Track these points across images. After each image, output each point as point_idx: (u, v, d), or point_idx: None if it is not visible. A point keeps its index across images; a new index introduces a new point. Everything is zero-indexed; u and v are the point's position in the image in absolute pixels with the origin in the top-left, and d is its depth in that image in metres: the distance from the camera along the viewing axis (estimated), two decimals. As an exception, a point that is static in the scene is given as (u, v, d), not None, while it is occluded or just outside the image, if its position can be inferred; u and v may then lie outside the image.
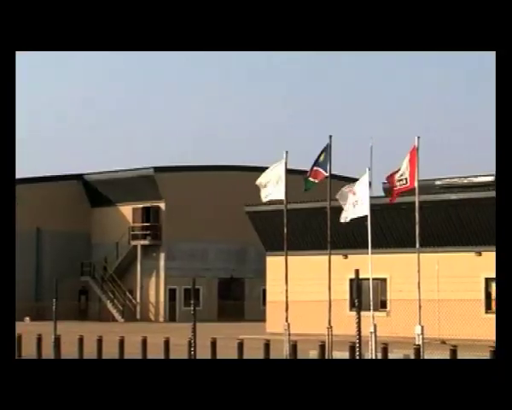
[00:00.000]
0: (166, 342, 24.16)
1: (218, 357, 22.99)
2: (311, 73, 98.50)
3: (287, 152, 26.75)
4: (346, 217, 25.50)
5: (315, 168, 26.01)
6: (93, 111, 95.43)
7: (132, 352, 23.56)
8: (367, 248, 25.43)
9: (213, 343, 23.39)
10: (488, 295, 33.77)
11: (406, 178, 24.56)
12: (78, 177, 59.44)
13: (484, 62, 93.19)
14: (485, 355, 21.41)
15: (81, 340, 24.39)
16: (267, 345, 23.48)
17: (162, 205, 55.87)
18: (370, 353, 23.74)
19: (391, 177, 24.61)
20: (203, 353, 23.12)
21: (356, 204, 25.06)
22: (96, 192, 59.07)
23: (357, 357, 21.37)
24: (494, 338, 26.71)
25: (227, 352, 23.95)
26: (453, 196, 34.25)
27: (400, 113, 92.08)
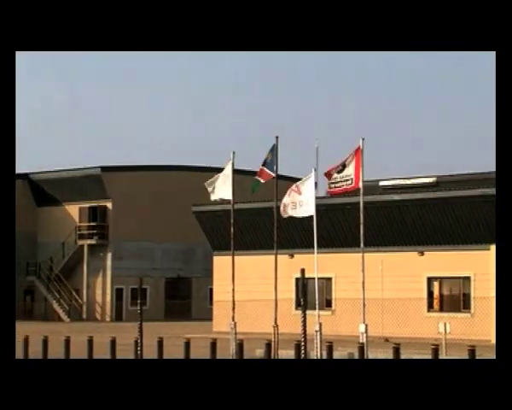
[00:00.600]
0: (113, 342, 23.94)
1: (165, 356, 22.85)
2: (258, 72, 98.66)
3: (234, 153, 26.79)
4: (291, 214, 25.57)
5: (263, 169, 26.08)
6: (39, 110, 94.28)
7: (78, 352, 23.28)
8: (313, 247, 25.53)
9: (160, 343, 23.23)
10: (430, 294, 34.16)
11: (351, 179, 24.75)
12: (24, 176, 58.60)
13: (415, 62, 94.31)
14: (427, 353, 21.65)
15: (26, 340, 24.04)
16: (214, 344, 23.42)
17: (109, 205, 55.41)
18: (315, 351, 23.84)
19: (328, 173, 24.87)
20: (150, 352, 22.97)
21: (302, 204, 25.17)
22: (42, 191, 58.32)
23: (303, 355, 21.43)
24: (435, 336, 27.14)
25: (174, 351, 23.83)
26: (396, 197, 34.58)
27: (346, 114, 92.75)
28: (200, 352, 23.92)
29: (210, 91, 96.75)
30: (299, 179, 25.77)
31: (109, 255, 55.50)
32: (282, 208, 25.65)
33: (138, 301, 23.26)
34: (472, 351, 20.36)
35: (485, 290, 32.07)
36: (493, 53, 12.91)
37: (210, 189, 27.18)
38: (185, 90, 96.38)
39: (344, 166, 24.90)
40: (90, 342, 23.52)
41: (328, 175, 24.90)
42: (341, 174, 24.91)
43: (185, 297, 57.65)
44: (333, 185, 25.24)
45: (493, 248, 32.22)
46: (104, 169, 55.47)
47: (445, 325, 25.24)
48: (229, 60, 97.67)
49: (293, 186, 25.32)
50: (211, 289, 44.99)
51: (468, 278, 33.23)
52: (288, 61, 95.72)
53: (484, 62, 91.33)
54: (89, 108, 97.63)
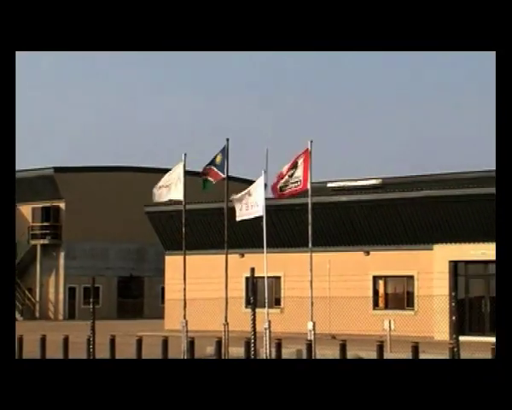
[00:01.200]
0: (65, 340, 23.78)
1: (117, 354, 22.77)
2: (208, 73, 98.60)
3: (185, 154, 26.81)
4: (242, 216, 25.74)
5: (213, 170, 26.13)
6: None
7: (31, 350, 23.09)
8: (262, 247, 25.66)
9: (112, 341, 23.14)
10: (376, 292, 34.52)
11: (300, 180, 24.95)
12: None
13: (361, 62, 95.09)
14: (373, 349, 21.92)
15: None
16: (165, 342, 23.41)
17: (62, 205, 54.98)
18: (265, 348, 23.96)
19: (278, 177, 25.05)
20: (102, 350, 22.87)
21: (252, 205, 25.32)
22: (-5, 192, 57.62)
23: (252, 353, 21.54)
24: (381, 333, 27.43)
25: (126, 349, 23.76)
26: (343, 198, 34.87)
27: (295, 116, 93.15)
28: (152, 350, 23.89)
29: (160, 91, 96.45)
30: (249, 181, 25.92)
31: (62, 255, 55.08)
32: (237, 213, 25.65)
33: (91, 300, 23.17)
34: (415, 347, 20.68)
35: (427, 289, 32.54)
36: (487, 53, 12.78)
37: (157, 192, 27.14)
38: (132, 91, 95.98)
39: (293, 168, 25.06)
40: (43, 340, 23.34)
41: (281, 178, 25.10)
42: (291, 176, 25.09)
43: (137, 296, 57.48)
44: (283, 187, 25.39)
45: (436, 247, 32.74)
46: (57, 170, 55.02)
47: (389, 322, 25.56)
48: (178, 60, 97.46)
49: (245, 191, 25.50)
50: (163, 288, 44.91)
51: (411, 277, 33.66)
52: (238, 61, 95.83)
53: (411, 62, 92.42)
54: (40, 108, 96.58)
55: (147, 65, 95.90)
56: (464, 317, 31.42)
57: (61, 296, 55.04)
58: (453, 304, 18.95)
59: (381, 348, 21.36)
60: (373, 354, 21.98)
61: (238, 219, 25.60)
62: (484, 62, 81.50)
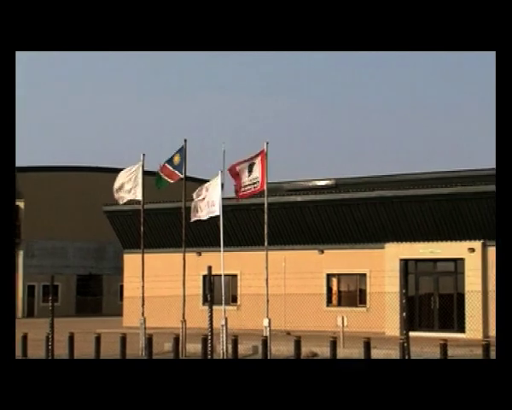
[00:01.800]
0: (24, 338, 23.52)
1: (76, 351, 22.58)
2: (167, 73, 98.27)
3: (144, 155, 26.71)
4: (199, 217, 25.74)
5: (170, 169, 26.04)
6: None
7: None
8: (219, 246, 25.66)
9: (71, 338, 22.95)
10: (329, 289, 34.71)
11: (258, 181, 24.99)
12: None
13: (320, 62, 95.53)
14: (327, 345, 22.04)
15: None
16: (123, 338, 23.28)
17: (21, 204, 54.36)
18: (221, 345, 23.95)
19: (237, 179, 25.04)
20: (61, 347, 22.66)
21: (208, 205, 25.30)
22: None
23: (209, 349, 21.52)
24: (334, 329, 27.57)
25: (85, 345, 23.58)
26: (298, 198, 35.00)
27: (252, 117, 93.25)
28: (110, 346, 23.74)
29: (117, 92, 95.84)
30: (206, 181, 25.86)
31: (21, 253, 54.48)
32: (192, 213, 25.62)
33: (50, 298, 22.93)
34: (367, 343, 20.86)
35: (379, 286, 32.80)
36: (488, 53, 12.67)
37: (117, 193, 27.00)
38: (94, 90, 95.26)
39: (251, 168, 25.10)
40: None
41: (236, 179, 25.05)
42: (249, 177, 25.13)
43: (96, 294, 57.12)
44: (242, 189, 25.41)
45: (387, 246, 33.03)
46: (16, 169, 54.38)
47: (342, 318, 25.70)
48: (141, 59, 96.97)
49: (200, 189, 25.41)
50: (121, 286, 44.64)
51: (364, 275, 33.91)
52: (197, 61, 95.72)
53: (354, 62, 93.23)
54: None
55: (110, 63, 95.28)
56: (414, 313, 31.75)
57: (20, 294, 54.45)
58: (404, 301, 19.11)
59: (334, 343, 21.50)
60: (326, 350, 22.11)
61: (193, 219, 25.58)
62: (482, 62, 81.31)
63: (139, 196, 26.79)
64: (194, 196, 25.35)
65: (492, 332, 30.55)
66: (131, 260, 37.08)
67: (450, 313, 31.79)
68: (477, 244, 31.36)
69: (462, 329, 31.20)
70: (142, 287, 26.63)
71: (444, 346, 20.33)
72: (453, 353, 22.41)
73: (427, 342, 25.12)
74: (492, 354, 20.46)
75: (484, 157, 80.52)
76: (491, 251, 31.18)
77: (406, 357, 18.29)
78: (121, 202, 27.52)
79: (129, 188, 26.82)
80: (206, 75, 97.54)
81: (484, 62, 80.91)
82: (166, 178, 26.08)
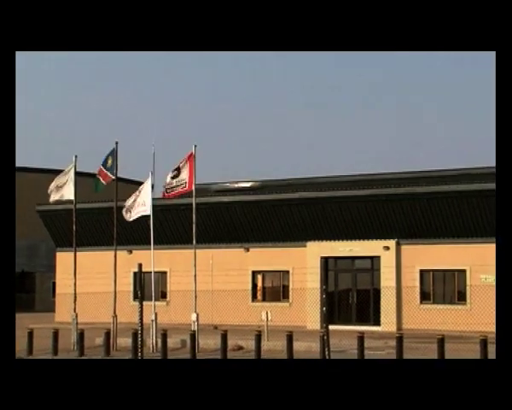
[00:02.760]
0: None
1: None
2: (102, 73, 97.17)
3: (76, 156, 26.51)
4: (130, 216, 25.74)
5: (104, 171, 25.95)
6: None
7: None
8: (150, 244, 25.64)
9: (4, 333, 22.57)
10: (254, 286, 34.97)
11: (185, 182, 25.11)
12: None
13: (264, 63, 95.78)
14: (252, 339, 22.26)
15: None
16: (55, 333, 23.08)
17: (-46, 203, 53.16)
18: (151, 339, 23.95)
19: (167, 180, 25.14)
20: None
21: (139, 205, 25.31)
22: None
23: (139, 343, 21.48)
24: (259, 323, 27.80)
25: (18, 340, 23.20)
26: (225, 199, 35.17)
27: (181, 120, 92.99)
28: (43, 341, 23.47)
29: (50, 92, 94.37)
30: (137, 182, 25.82)
31: (-46, 251, 53.25)
32: (124, 212, 25.69)
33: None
34: (290, 336, 21.16)
35: (301, 283, 33.24)
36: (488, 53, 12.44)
37: (52, 193, 26.84)
38: (30, 90, 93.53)
39: (179, 171, 25.23)
40: None
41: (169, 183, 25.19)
42: (177, 179, 25.25)
43: (29, 291, 56.17)
44: (169, 190, 25.51)
45: (309, 245, 33.47)
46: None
47: (266, 313, 25.97)
48: (87, 59, 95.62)
49: (137, 191, 25.46)
50: (54, 283, 44.06)
51: (287, 272, 34.28)
52: (128, 62, 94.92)
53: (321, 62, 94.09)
54: None
55: (54, 64, 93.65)
56: (334, 308, 32.28)
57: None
58: (323, 296, 19.46)
59: (259, 337, 21.74)
60: (251, 343, 22.34)
61: (130, 219, 25.57)
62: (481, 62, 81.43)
63: (68, 196, 26.68)
64: (130, 202, 25.44)
65: (405, 325, 31.37)
66: (64, 258, 36.64)
67: (367, 308, 32.44)
68: (391, 243, 32.09)
69: (377, 322, 31.87)
70: (74, 284, 26.41)
71: (361, 338, 20.77)
72: (369, 345, 22.93)
73: (345, 335, 25.61)
74: (406, 345, 21.03)
75: (399, 161, 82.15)
76: (404, 249, 32.00)
77: (326, 349, 18.64)
78: (51, 201, 27.44)
79: (60, 188, 26.77)
80: (148, 76, 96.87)
81: (484, 62, 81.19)
82: (102, 181, 26.00)
